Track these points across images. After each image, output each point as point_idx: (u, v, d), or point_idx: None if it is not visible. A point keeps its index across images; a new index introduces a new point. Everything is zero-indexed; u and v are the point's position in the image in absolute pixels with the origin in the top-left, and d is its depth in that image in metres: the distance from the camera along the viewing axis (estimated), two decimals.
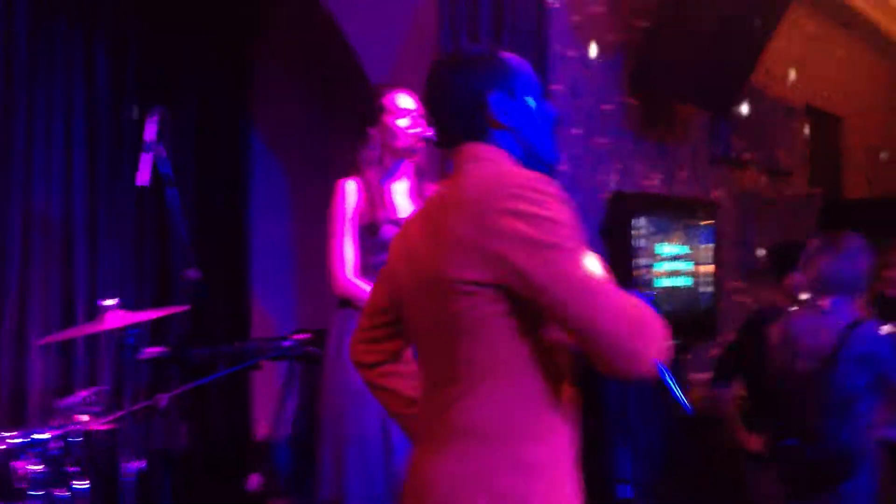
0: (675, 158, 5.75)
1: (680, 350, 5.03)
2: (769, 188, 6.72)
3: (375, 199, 3.20)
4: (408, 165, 3.30)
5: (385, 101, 3.27)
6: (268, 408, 4.52)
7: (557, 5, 4.68)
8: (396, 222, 3.17)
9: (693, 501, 4.58)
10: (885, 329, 3.37)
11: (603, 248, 4.93)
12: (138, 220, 4.49)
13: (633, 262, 5.02)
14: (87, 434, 2.83)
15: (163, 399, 2.92)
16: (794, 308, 3.74)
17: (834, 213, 6.87)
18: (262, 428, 4.71)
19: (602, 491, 4.34)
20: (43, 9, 4.26)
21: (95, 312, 3.03)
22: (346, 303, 3.18)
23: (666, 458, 4.82)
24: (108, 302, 3.03)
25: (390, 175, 3.27)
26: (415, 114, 3.24)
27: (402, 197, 3.27)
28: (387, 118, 3.24)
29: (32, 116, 4.21)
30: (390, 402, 1.92)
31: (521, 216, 1.53)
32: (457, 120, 1.73)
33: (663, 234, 5.30)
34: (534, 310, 1.55)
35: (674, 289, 5.40)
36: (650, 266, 5.20)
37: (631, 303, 1.52)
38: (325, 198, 5.10)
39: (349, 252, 3.19)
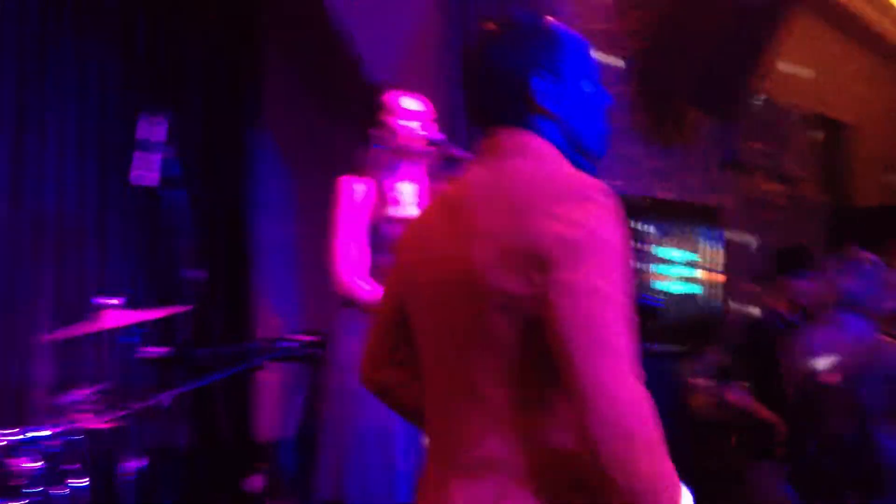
0: (683, 163, 5.72)
1: (687, 355, 5.03)
2: (778, 194, 6.68)
3: (378, 197, 3.17)
4: (415, 167, 3.27)
5: (386, 99, 3.25)
6: (271, 408, 4.50)
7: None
8: (401, 222, 3.15)
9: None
10: None
11: None
12: (145, 220, 4.50)
13: (639, 267, 5.00)
14: (88, 432, 2.81)
15: (165, 398, 2.90)
16: (809, 320, 3.73)
17: (843, 220, 6.84)
18: (264, 429, 4.69)
19: None
20: (53, 12, 4.31)
21: (100, 311, 3.02)
22: (349, 303, 3.15)
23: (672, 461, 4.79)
24: (111, 301, 3.02)
25: (393, 174, 3.24)
26: (422, 117, 3.22)
27: (408, 197, 3.24)
28: (387, 117, 3.22)
29: (44, 119, 4.28)
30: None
31: (571, 224, 1.31)
32: (493, 100, 1.50)
33: (670, 239, 5.27)
34: None
35: (681, 294, 5.37)
36: (657, 271, 5.18)
37: (636, 398, 1.27)
38: (327, 196, 5.10)
39: (351, 251, 3.16)
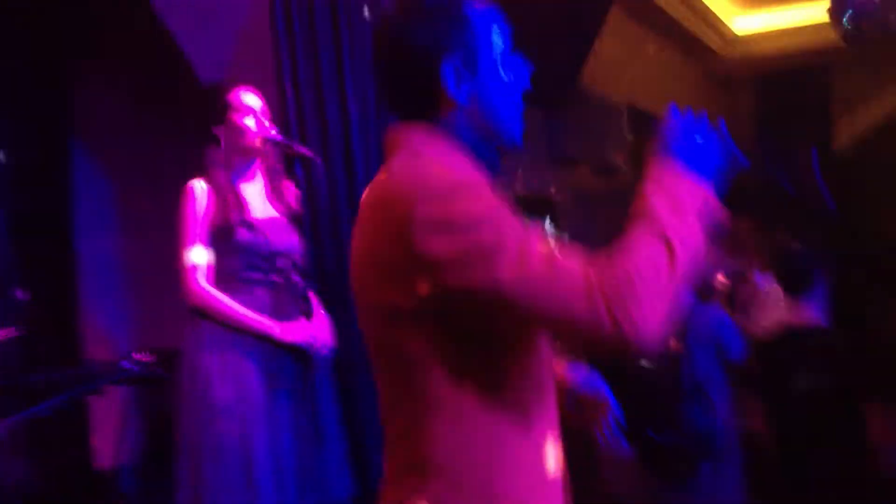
0: (514, 157, 5.81)
1: None
2: (601, 185, 6.92)
3: (226, 200, 3.01)
4: (262, 166, 3.15)
5: (230, 98, 3.11)
6: (109, 434, 4.21)
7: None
8: (250, 224, 3.01)
9: None
10: None
11: None
12: None
13: None
14: None
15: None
16: None
17: None
18: (103, 457, 4.40)
19: None
20: None
21: None
22: (201, 314, 2.96)
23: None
24: None
25: (240, 175, 3.10)
26: (259, 113, 3.10)
27: (255, 198, 3.10)
28: (233, 116, 3.08)
29: None
30: None
31: (438, 228, 1.25)
32: (401, 92, 1.41)
33: None
34: (483, 330, 1.32)
35: None
36: None
37: (572, 274, 1.25)
38: (154, 207, 4.83)
39: (201, 258, 2.98)
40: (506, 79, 1.43)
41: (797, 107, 8.71)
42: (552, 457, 1.40)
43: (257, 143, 3.06)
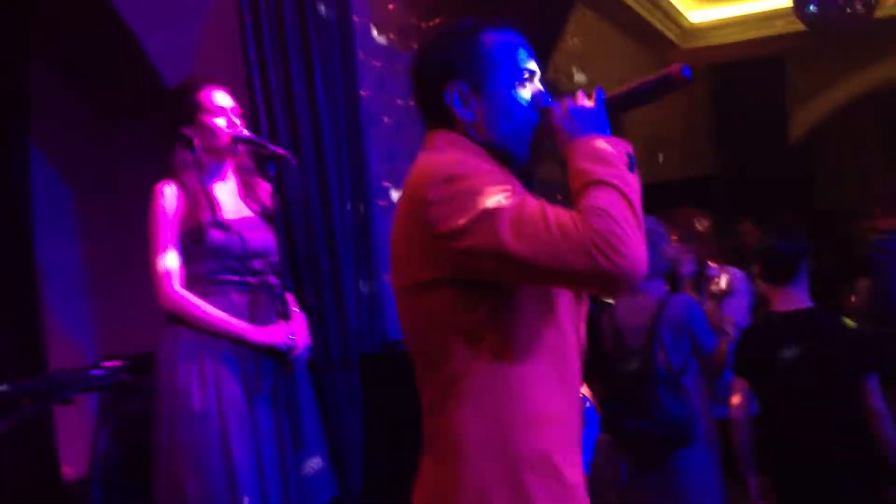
0: None
1: None
2: (564, 176, 6.94)
3: (198, 201, 2.93)
4: (230, 165, 3.07)
5: (201, 97, 3.02)
6: (77, 446, 4.11)
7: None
8: (224, 225, 2.93)
9: None
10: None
11: None
12: None
13: None
14: None
15: None
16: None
17: None
18: (70, 469, 4.29)
19: None
20: None
21: None
22: (177, 319, 2.89)
23: None
24: None
25: (212, 176, 3.02)
26: (231, 112, 3.03)
27: (228, 198, 3.03)
28: (204, 117, 2.99)
29: None
30: None
31: (445, 204, 1.44)
32: (421, 106, 1.63)
33: None
34: (498, 297, 1.47)
35: None
36: None
37: (559, 219, 1.41)
38: (114, 211, 4.71)
39: (175, 263, 2.90)
40: (522, 101, 1.57)
41: (753, 95, 8.87)
42: (569, 433, 1.53)
43: (229, 143, 2.98)
